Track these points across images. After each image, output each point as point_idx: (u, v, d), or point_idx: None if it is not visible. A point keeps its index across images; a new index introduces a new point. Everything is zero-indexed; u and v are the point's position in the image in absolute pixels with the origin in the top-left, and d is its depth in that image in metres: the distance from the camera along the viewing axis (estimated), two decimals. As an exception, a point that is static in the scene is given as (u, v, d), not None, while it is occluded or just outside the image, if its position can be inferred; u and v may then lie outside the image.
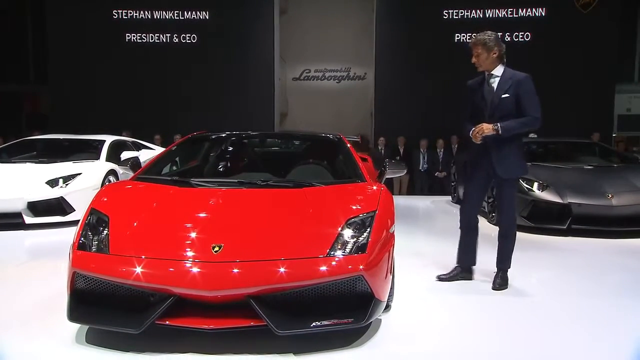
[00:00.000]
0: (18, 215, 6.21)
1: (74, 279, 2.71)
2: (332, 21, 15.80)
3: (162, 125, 11.60)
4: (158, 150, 7.72)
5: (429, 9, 12.36)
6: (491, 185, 4.11)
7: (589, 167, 6.91)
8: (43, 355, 2.65)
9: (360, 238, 2.82)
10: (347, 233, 2.84)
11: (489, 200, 6.85)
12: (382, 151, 11.42)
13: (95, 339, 2.78)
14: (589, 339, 2.98)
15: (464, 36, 12.09)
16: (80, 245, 2.80)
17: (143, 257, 2.67)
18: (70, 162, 7.14)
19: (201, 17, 12.63)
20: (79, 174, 6.74)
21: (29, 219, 6.24)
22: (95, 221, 2.95)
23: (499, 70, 3.82)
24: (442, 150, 11.37)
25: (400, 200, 8.51)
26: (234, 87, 12.47)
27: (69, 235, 3.06)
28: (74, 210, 6.43)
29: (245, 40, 12.49)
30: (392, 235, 3.08)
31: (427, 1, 12.44)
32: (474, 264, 4.09)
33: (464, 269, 4.09)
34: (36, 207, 6.30)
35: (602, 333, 3.05)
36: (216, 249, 2.70)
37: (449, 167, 10.34)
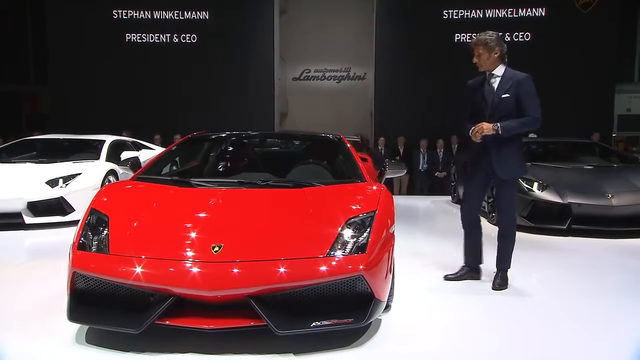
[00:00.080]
0: (18, 215, 6.21)
1: (74, 279, 2.71)
2: (332, 21, 15.81)
3: (162, 125, 11.60)
4: (158, 150, 7.72)
5: (429, 9, 12.37)
6: (491, 185, 4.11)
7: (589, 167, 6.91)
8: (43, 355, 2.65)
9: (360, 238, 2.82)
10: (347, 233, 2.84)
11: (489, 200, 6.85)
12: (382, 151, 11.42)
13: (95, 339, 2.78)
14: (589, 339, 2.98)
15: (464, 36, 12.09)
16: (80, 245, 2.80)
17: (143, 257, 2.67)
18: (70, 162, 7.14)
19: (201, 17, 12.64)
20: (79, 174, 6.74)
21: (29, 219, 6.24)
22: (95, 221, 2.95)
23: (499, 70, 3.82)
24: (442, 150, 11.37)
25: (400, 200, 8.51)
26: (234, 87, 12.48)
27: (69, 235, 3.06)
28: (74, 210, 6.43)
29: (245, 40, 12.49)
30: (392, 235, 3.08)
31: (427, 1, 12.44)
32: (481, 262, 4.08)
33: (471, 269, 4.09)
34: (36, 207, 6.30)
35: (602, 333, 3.05)
36: (216, 249, 2.70)
37: (449, 167, 10.33)
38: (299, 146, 5.67)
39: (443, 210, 8.72)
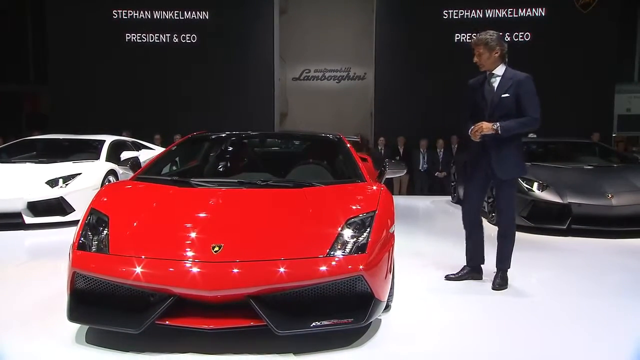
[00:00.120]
0: (18, 215, 6.21)
1: (73, 279, 2.71)
2: (332, 21, 15.82)
3: (162, 125, 11.60)
4: (158, 150, 7.73)
5: (429, 9, 12.37)
6: (491, 185, 4.11)
7: (589, 167, 6.91)
8: (43, 355, 2.65)
9: (360, 238, 2.82)
10: (347, 233, 2.84)
11: (489, 200, 6.85)
12: (382, 151, 11.42)
13: (95, 339, 2.78)
14: (589, 339, 2.98)
15: (464, 36, 12.09)
16: (80, 245, 2.80)
17: (143, 257, 2.67)
18: (70, 162, 7.14)
19: (201, 17, 12.64)
20: (79, 174, 6.74)
21: (29, 219, 6.24)
22: (95, 221, 2.95)
23: (500, 70, 3.82)
24: (442, 150, 11.37)
25: (400, 200, 8.52)
26: (234, 87, 12.48)
27: (69, 235, 3.06)
28: (74, 210, 6.43)
29: (245, 40, 12.49)
30: (392, 235, 3.08)
31: (427, 1, 12.44)
32: (483, 263, 4.09)
33: (472, 269, 4.09)
34: (36, 207, 6.30)
35: (602, 333, 3.05)
36: (216, 249, 2.70)
37: (449, 167, 10.33)
38: (299, 146, 5.66)
39: (443, 210, 8.72)
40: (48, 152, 7.68)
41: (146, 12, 12.63)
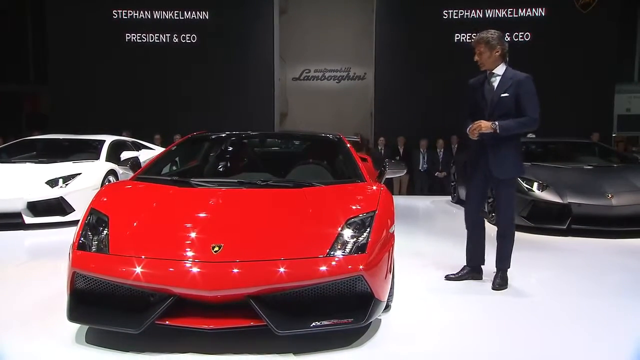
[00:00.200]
0: (18, 215, 6.21)
1: (73, 279, 2.71)
2: (332, 21, 15.82)
3: (162, 125, 11.60)
4: (158, 150, 7.73)
5: (429, 9, 12.37)
6: (490, 185, 4.11)
7: (589, 167, 6.91)
8: (43, 355, 2.65)
9: (360, 238, 2.82)
10: (347, 233, 2.84)
11: (489, 200, 6.84)
12: (382, 151, 11.42)
13: (95, 339, 2.78)
14: (589, 339, 2.98)
15: (464, 36, 12.09)
16: (80, 245, 2.80)
17: (143, 257, 2.67)
18: (70, 162, 7.14)
19: (201, 17, 12.64)
20: (79, 174, 6.74)
21: (28, 219, 6.24)
22: (95, 221, 2.95)
23: (500, 69, 3.82)
24: (442, 150, 11.37)
25: (400, 200, 8.51)
26: (234, 87, 12.48)
27: (69, 235, 3.06)
28: (74, 210, 6.43)
29: (245, 40, 12.49)
30: (392, 235, 3.08)
31: (427, 1, 12.44)
32: (483, 263, 4.09)
33: (473, 269, 4.09)
34: (36, 207, 6.30)
35: (602, 333, 3.05)
36: (216, 249, 2.70)
37: (449, 167, 10.33)
38: (299, 146, 5.66)
39: (443, 210, 8.72)
40: (48, 152, 7.68)
41: (146, 12, 12.63)
